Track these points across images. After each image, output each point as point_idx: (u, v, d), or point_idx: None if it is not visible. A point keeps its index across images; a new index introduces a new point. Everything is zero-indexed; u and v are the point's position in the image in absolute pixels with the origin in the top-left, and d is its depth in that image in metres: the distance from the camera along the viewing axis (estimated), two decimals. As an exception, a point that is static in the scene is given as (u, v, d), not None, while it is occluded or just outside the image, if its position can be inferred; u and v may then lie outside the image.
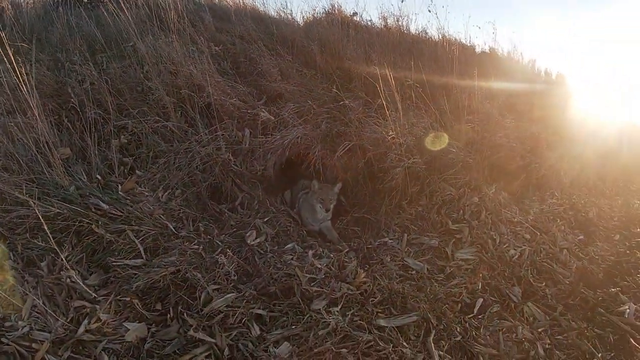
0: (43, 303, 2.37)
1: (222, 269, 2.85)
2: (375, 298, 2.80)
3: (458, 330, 2.68)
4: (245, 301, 2.61)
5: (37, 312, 2.32)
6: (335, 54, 5.50)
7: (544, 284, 3.35)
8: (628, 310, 3.15)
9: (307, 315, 2.58)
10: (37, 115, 3.29)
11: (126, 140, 3.90)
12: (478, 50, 7.42)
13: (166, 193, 3.53)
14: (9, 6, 5.50)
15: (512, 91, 6.10)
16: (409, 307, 2.75)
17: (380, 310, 2.71)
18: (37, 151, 3.24)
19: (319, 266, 2.99)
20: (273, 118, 4.31)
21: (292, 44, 5.73)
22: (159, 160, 3.77)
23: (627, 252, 4.28)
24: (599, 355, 2.70)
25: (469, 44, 7.20)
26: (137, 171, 3.65)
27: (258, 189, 3.92)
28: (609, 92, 9.22)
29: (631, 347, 2.83)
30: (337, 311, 2.62)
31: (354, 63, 5.28)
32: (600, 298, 3.30)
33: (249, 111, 4.34)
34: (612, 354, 2.76)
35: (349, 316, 2.61)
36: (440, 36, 6.63)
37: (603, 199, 5.67)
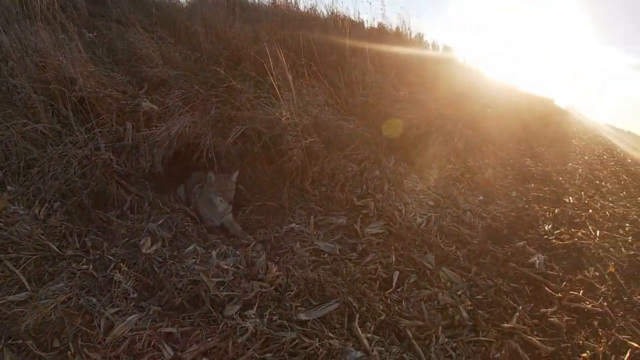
0: None
1: (118, 287, 2.52)
2: (292, 291, 2.63)
3: (381, 308, 2.61)
4: (150, 320, 2.32)
5: None
6: (222, 34, 5.18)
7: (454, 247, 3.42)
8: (537, 261, 3.35)
9: (222, 324, 2.33)
10: None
11: None
12: (367, 26, 7.45)
13: (43, 208, 3.04)
14: None
15: (403, 65, 6.18)
16: (327, 294, 2.62)
17: (298, 304, 2.54)
18: None
19: (226, 267, 2.75)
20: (157, 107, 3.93)
21: (174, 26, 5.32)
22: (32, 170, 3.25)
23: (526, 206, 4.57)
24: (520, 308, 2.79)
25: (358, 20, 7.20)
26: (8, 187, 3.11)
27: (147, 189, 3.55)
28: (491, 59, 9.80)
29: (547, 294, 3.00)
30: (254, 313, 2.41)
31: (242, 43, 5.00)
32: (509, 253, 3.46)
33: (128, 102, 3.91)
34: (532, 305, 2.88)
35: (267, 316, 2.41)
36: (330, 13, 6.55)
37: (496, 160, 5.97)
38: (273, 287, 2.63)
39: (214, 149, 3.74)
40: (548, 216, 4.45)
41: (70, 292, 2.42)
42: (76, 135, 3.48)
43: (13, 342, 2.17)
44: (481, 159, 5.68)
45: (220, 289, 2.55)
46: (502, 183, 5.20)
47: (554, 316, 2.78)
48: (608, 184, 6.74)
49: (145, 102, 3.93)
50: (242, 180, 3.89)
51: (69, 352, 2.16)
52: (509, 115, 7.84)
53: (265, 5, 6.42)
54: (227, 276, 2.67)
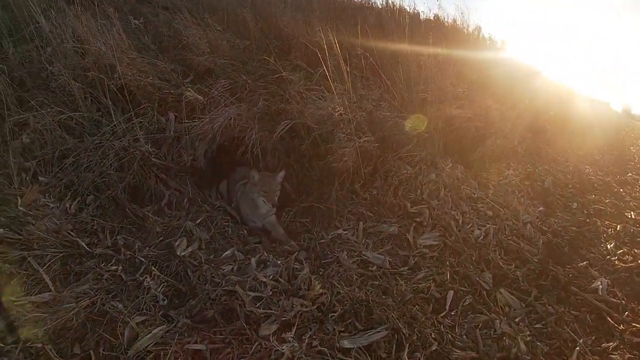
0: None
1: (147, 293, 2.32)
2: (335, 312, 2.34)
3: (433, 336, 2.32)
4: (178, 334, 2.10)
5: None
6: (272, 21, 4.95)
7: (513, 265, 3.09)
8: (600, 286, 2.99)
9: (256, 344, 2.08)
10: None
11: (29, 140, 3.16)
12: (423, 17, 7.09)
13: (75, 202, 2.88)
14: None
15: (460, 59, 5.81)
16: (375, 318, 2.33)
17: (342, 329, 2.25)
18: None
19: (264, 280, 2.49)
20: (202, 98, 3.72)
21: (223, 13, 5.12)
22: (66, 160, 3.10)
23: (587, 220, 4.20)
24: (581, 341, 2.46)
25: (413, 11, 6.85)
26: (40, 177, 2.97)
27: (188, 184, 3.35)
28: (553, 58, 9.29)
29: (609, 326, 2.65)
30: (292, 336, 2.14)
31: (293, 31, 4.75)
32: (570, 275, 3.10)
33: (172, 91, 3.72)
34: (593, 338, 2.54)
35: (306, 340, 2.14)
36: (384, 2, 6.23)
37: (556, 166, 5.61)
38: (315, 306, 2.35)
39: (260, 144, 3.50)
40: (610, 233, 4.07)
41: (96, 295, 2.25)
42: (114, 125, 3.33)
43: (32, 346, 2.02)
44: (540, 164, 5.33)
45: (257, 305, 2.30)
46: (562, 192, 4.83)
47: (615, 353, 2.44)
48: (670, 198, 6.24)
49: (190, 91, 3.73)
50: (288, 179, 3.66)
51: (88, 361, 1.99)
52: (566, 118, 7.41)
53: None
54: (265, 290, 2.41)
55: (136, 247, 2.69)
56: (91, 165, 3.10)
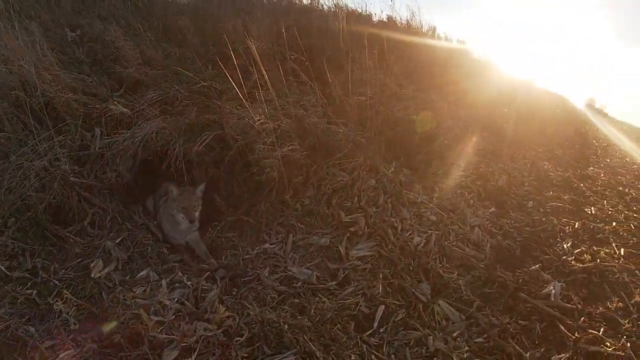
0: None
1: (58, 317, 2.27)
2: (242, 336, 2.21)
3: (352, 358, 2.18)
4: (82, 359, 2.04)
5: None
6: (211, 28, 4.79)
7: (455, 273, 2.96)
8: (553, 290, 2.86)
9: None
10: None
11: None
12: (375, 19, 7.01)
13: None
14: None
15: (412, 60, 5.72)
16: (286, 341, 2.19)
17: (246, 354, 2.13)
18: None
19: (168, 303, 2.37)
20: (128, 111, 3.57)
21: (162, 21, 4.97)
22: None
23: (543, 219, 4.11)
24: (527, 355, 2.32)
25: (365, 13, 6.78)
26: None
27: (112, 202, 3.21)
28: (508, 54, 9.31)
29: (562, 335, 2.51)
30: None
31: (233, 38, 4.60)
32: (520, 280, 2.98)
33: (97, 106, 3.56)
34: (542, 350, 2.39)
35: None
36: (334, 5, 6.12)
37: (512, 164, 5.54)
38: (221, 330, 2.23)
39: (185, 157, 3.34)
40: (567, 231, 3.98)
41: (10, 319, 2.23)
42: (35, 145, 3.20)
43: None
44: (495, 163, 5.24)
45: (159, 330, 2.19)
46: (517, 191, 4.75)
47: None
48: (632, 191, 6.22)
49: (115, 105, 3.59)
50: (218, 191, 3.53)
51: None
52: (526, 115, 7.38)
53: (264, -1, 6.00)
54: (168, 314, 2.30)
55: (52, 269, 2.64)
56: (12, 187, 2.99)
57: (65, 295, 2.38)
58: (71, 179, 3.15)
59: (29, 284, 2.51)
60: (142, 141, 3.32)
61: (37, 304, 2.38)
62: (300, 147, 3.35)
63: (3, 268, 2.54)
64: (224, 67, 3.53)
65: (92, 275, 2.62)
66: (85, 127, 3.49)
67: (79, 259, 2.77)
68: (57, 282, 2.55)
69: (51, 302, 2.36)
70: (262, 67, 3.32)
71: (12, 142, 3.25)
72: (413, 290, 2.71)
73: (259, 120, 3.23)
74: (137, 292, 2.51)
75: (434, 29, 7.28)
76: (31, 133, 3.29)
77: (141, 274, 2.72)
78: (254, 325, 2.27)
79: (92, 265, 2.69)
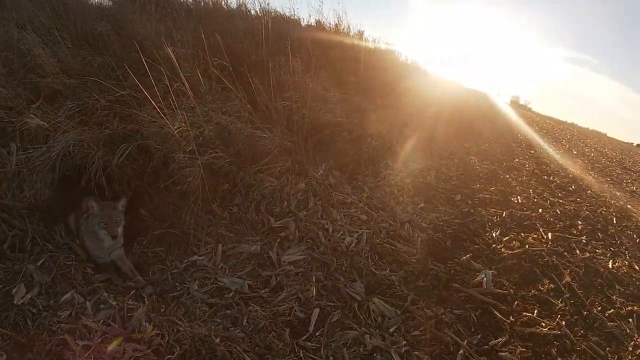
0: None
1: None
2: (174, 353, 2.16)
3: (290, 365, 2.19)
4: None
5: None
6: (132, 34, 4.62)
7: (388, 270, 3.04)
8: (485, 278, 3.01)
9: None
10: None
11: None
12: (304, 23, 7.07)
13: None
14: None
15: (338, 64, 5.80)
16: (219, 355, 2.17)
17: None
18: None
19: (93, 326, 2.25)
20: (45, 124, 3.37)
21: (79, 28, 4.74)
22: None
23: (472, 211, 4.30)
24: (465, 342, 2.44)
25: (293, 17, 6.80)
26: None
27: (29, 222, 3.00)
28: (435, 57, 9.65)
29: (497, 320, 2.65)
30: None
31: (154, 44, 4.47)
32: (452, 271, 3.13)
33: (12, 120, 3.34)
34: (479, 336, 2.52)
35: None
36: (261, 10, 6.11)
37: (440, 161, 5.73)
38: (151, 349, 2.16)
39: (105, 170, 3.20)
40: (496, 221, 4.20)
41: None
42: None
43: None
44: (423, 161, 5.41)
45: (86, 355, 2.08)
46: (445, 186, 4.94)
47: (504, 349, 2.45)
48: (557, 179, 6.64)
49: (32, 117, 3.37)
50: (143, 204, 3.40)
51: None
52: (454, 113, 7.67)
53: (187, 2, 5.86)
54: (94, 338, 2.18)
55: None
56: None
57: None
58: (-12, 199, 2.96)
59: None
60: (60, 155, 3.14)
61: None
62: (224, 154, 3.30)
63: None
64: (148, 74, 3.43)
65: (15, 302, 2.44)
66: (0, 143, 3.29)
67: (0, 286, 2.57)
68: None
69: None
70: (181, 74, 3.23)
71: None
72: (347, 290, 2.76)
73: (178, 128, 3.15)
74: (62, 317, 2.37)
75: (361, 33, 7.40)
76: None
77: (65, 297, 2.55)
78: (184, 342, 2.23)
79: (14, 291, 2.50)
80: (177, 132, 3.13)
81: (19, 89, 3.76)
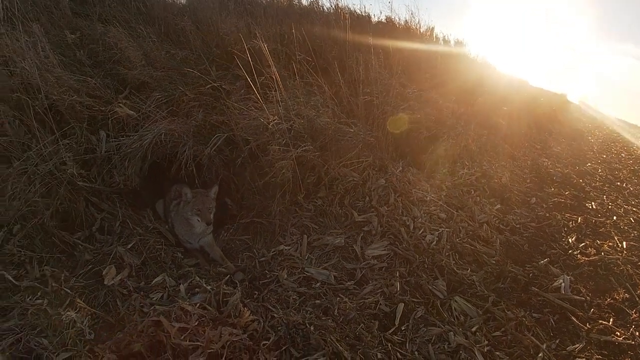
0: None
1: (72, 327, 2.16)
2: (269, 339, 2.17)
3: (379, 357, 2.18)
4: None
5: None
6: (213, 30, 4.73)
7: (469, 269, 2.98)
8: (563, 284, 2.94)
9: None
10: None
11: None
12: (374, 19, 7.02)
13: (1, 232, 2.67)
14: None
15: (412, 60, 5.74)
16: (313, 343, 2.17)
17: (275, 357, 2.10)
18: None
19: (190, 309, 2.28)
20: (134, 113, 3.50)
21: (161, 23, 4.90)
22: None
23: (547, 215, 4.19)
24: (544, 346, 2.38)
25: (363, 14, 6.77)
26: None
27: (120, 206, 3.12)
28: (506, 54, 9.38)
29: (574, 326, 2.60)
30: None
31: (235, 39, 4.56)
32: (531, 274, 3.05)
33: (102, 109, 3.48)
34: (557, 341, 2.47)
35: None
36: (334, 6, 6.12)
37: (513, 162, 5.59)
38: (247, 334, 2.17)
39: (195, 160, 3.29)
40: (571, 226, 4.06)
41: (21, 332, 2.10)
42: (40, 149, 3.07)
43: None
44: (497, 161, 5.28)
45: (183, 337, 2.10)
46: (520, 188, 4.80)
47: (582, 355, 2.38)
48: (630, 186, 6.33)
49: (121, 107, 3.50)
50: (229, 194, 3.47)
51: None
52: (523, 113, 7.47)
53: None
54: (191, 321, 2.20)
55: (62, 278, 2.50)
56: (16, 193, 2.86)
57: (79, 305, 2.29)
58: (79, 183, 3.09)
59: (39, 293, 2.37)
60: (152, 143, 3.24)
61: (48, 315, 2.23)
62: (312, 148, 3.32)
63: (10, 277, 2.42)
64: (229, 68, 3.50)
65: (105, 283, 2.51)
66: (90, 130, 3.40)
67: (90, 266, 2.65)
68: (68, 290, 2.41)
69: (62, 312, 2.25)
70: (273, 68, 3.27)
71: (14, 146, 3.15)
72: (430, 287, 2.72)
73: (273, 121, 3.19)
74: (154, 299, 2.43)
75: (432, 29, 7.31)
76: (34, 137, 3.17)
77: (157, 279, 2.62)
78: (279, 328, 2.24)
79: (104, 272, 2.59)
80: (271, 125, 3.17)
81: (106, 79, 3.92)
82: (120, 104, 3.53)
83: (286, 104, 3.37)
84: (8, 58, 3.51)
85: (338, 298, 2.54)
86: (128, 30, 4.47)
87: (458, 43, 8.07)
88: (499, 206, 4.12)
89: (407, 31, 6.85)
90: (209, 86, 3.69)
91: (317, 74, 3.94)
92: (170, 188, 3.34)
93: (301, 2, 6.32)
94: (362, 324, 2.37)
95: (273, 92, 3.45)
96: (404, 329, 2.40)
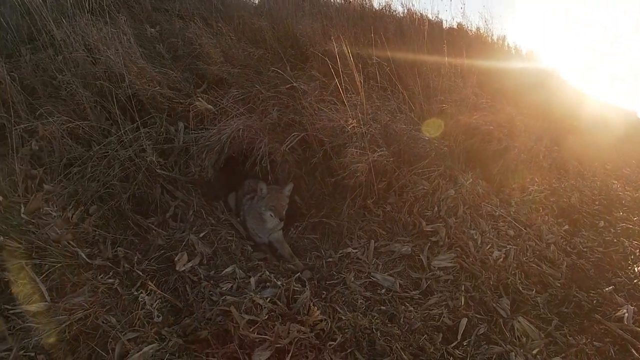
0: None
1: (142, 309, 2.25)
2: (335, 340, 2.20)
3: (440, 369, 2.15)
4: (168, 354, 2.02)
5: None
6: (288, 30, 4.82)
7: (534, 290, 2.89)
8: (626, 314, 2.76)
9: None
10: None
11: (37, 147, 3.16)
12: (445, 25, 6.90)
13: (78, 211, 2.82)
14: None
15: (484, 69, 5.62)
16: (378, 348, 2.18)
17: (340, 359, 2.11)
18: None
19: (261, 302, 2.32)
20: (212, 108, 3.63)
21: (238, 21, 5.03)
22: (72, 169, 3.07)
23: (615, 240, 3.98)
24: None
25: (435, 19, 6.67)
26: (45, 185, 2.93)
27: (194, 196, 3.24)
28: (581, 69, 9.00)
29: (634, 359, 2.44)
30: None
31: (310, 40, 4.63)
32: (595, 301, 2.90)
33: (181, 101, 3.64)
34: None
35: None
36: (406, 11, 6.08)
37: (582, 181, 5.36)
38: (314, 333, 2.21)
39: (269, 156, 3.37)
40: (638, 254, 3.83)
41: (90, 308, 2.20)
42: (121, 135, 3.26)
43: (25, 355, 2.00)
44: (567, 179, 5.08)
45: (251, 329, 2.15)
46: (588, 210, 4.59)
47: None
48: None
49: (200, 101, 3.65)
50: (299, 192, 3.54)
51: (78, 374, 1.95)
52: (593, 130, 7.13)
53: (337, 2, 5.97)
54: (261, 314, 2.25)
55: (135, 260, 2.62)
56: (96, 175, 3.05)
57: (150, 287, 2.38)
58: (157, 170, 3.22)
59: (111, 273, 2.49)
60: (230, 137, 3.35)
61: (118, 294, 2.35)
62: (387, 153, 3.33)
63: (83, 255, 2.52)
64: (304, 69, 3.55)
65: (177, 269, 2.60)
66: (169, 121, 3.56)
67: (162, 251, 2.75)
68: (140, 272, 2.52)
69: (135, 293, 2.36)
70: (355, 71, 3.29)
71: (95, 130, 3.33)
72: (494, 305, 2.67)
73: (351, 124, 3.23)
74: (224, 289, 2.49)
75: (503, 38, 7.12)
76: (115, 123, 3.35)
77: (227, 270, 2.68)
78: (346, 330, 2.26)
79: (176, 258, 2.66)
80: (349, 128, 3.20)
81: (185, 73, 4.07)
82: (200, 98, 3.66)
83: (362, 107, 3.38)
84: (93, 46, 3.72)
85: (403, 306, 2.54)
86: (206, 26, 4.61)
87: (529, 53, 7.83)
88: (566, 227, 3.97)
89: (478, 39, 6.71)
90: (288, 85, 3.75)
91: (392, 78, 3.94)
92: (243, 182, 3.44)
93: (373, 6, 6.32)
94: (425, 335, 2.36)
95: (350, 95, 3.47)
96: (465, 345, 2.37)
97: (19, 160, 2.98)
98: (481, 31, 6.79)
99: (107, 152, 3.18)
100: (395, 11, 6.16)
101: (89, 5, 4.35)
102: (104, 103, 3.45)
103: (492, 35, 6.89)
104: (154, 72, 3.75)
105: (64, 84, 3.49)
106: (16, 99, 3.31)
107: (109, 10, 4.32)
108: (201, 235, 2.96)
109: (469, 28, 6.81)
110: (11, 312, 2.15)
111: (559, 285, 3.00)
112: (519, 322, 2.56)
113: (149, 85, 3.57)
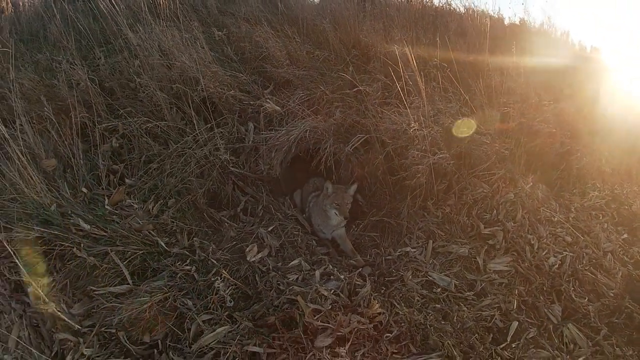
0: (28, 334, 2.27)
1: (216, 294, 2.51)
2: (392, 333, 2.37)
3: (487, 368, 2.25)
4: (239, 336, 2.26)
5: (23, 343, 2.22)
6: (351, 31, 4.93)
7: (586, 299, 2.89)
8: None
9: (310, 354, 2.19)
10: (21, 124, 3.03)
11: (117, 144, 3.52)
12: (507, 21, 6.75)
13: (157, 204, 3.14)
14: (9, 5, 5.17)
15: (547, 68, 5.47)
16: (431, 343, 2.33)
17: (395, 350, 2.28)
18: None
19: (325, 293, 2.53)
20: (279, 109, 3.83)
21: (302, 23, 5.20)
22: (152, 165, 3.39)
23: None
24: None
25: (496, 15, 6.55)
26: (126, 179, 3.28)
27: (263, 192, 3.48)
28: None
29: None
30: (345, 351, 2.21)
31: (372, 41, 4.72)
32: None
33: (251, 103, 3.88)
34: None
35: (359, 357, 2.21)
36: (466, 7, 6.03)
37: (646, 188, 5.15)
38: (372, 325, 2.39)
39: (334, 156, 3.54)
40: None
41: (169, 291, 2.49)
42: (197, 135, 3.53)
43: (106, 331, 2.29)
44: (629, 185, 4.90)
45: (315, 317, 2.36)
46: (650, 219, 4.43)
47: None
48: None
49: (269, 102, 3.85)
50: (361, 191, 3.69)
51: (155, 350, 2.24)
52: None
53: (397, 1, 5.99)
54: (325, 304, 2.46)
55: (210, 249, 2.88)
56: (174, 171, 3.36)
57: (223, 275, 2.60)
58: (230, 168, 3.47)
59: (188, 260, 2.74)
60: (297, 138, 3.56)
61: (195, 280, 2.61)
62: (448, 156, 3.41)
63: (162, 243, 2.80)
64: (367, 71, 3.66)
65: (248, 259, 2.82)
66: (239, 122, 3.80)
67: (234, 242, 3.00)
68: (215, 261, 2.75)
69: (211, 279, 2.60)
70: (417, 73, 3.39)
71: (172, 130, 3.61)
72: (546, 310, 2.71)
73: (413, 127, 3.34)
74: (291, 279, 2.69)
75: (567, 34, 6.88)
76: (190, 123, 3.63)
77: (293, 262, 2.88)
78: (402, 324, 2.41)
79: (247, 249, 2.90)
80: (411, 131, 3.32)
81: (253, 75, 4.29)
82: (268, 100, 3.87)
83: (424, 110, 3.48)
84: (168, 51, 4.01)
85: (457, 306, 2.64)
86: (271, 29, 4.81)
87: (594, 50, 7.51)
88: (625, 236, 3.86)
89: (541, 35, 6.53)
90: (355, 89, 3.89)
91: (454, 80, 3.98)
92: (308, 180, 3.63)
93: (433, 3, 6.30)
94: (476, 334, 2.46)
95: (413, 98, 3.57)
96: (514, 347, 2.44)
97: (101, 156, 3.33)
98: (544, 26, 6.60)
99: (184, 150, 3.47)
100: (455, 8, 6.13)
101: (161, 11, 4.66)
102: (179, 104, 3.75)
103: (556, 31, 6.69)
104: (226, 76, 4.00)
105: (141, 86, 3.82)
106: (96, 100, 3.68)
107: (182, 17, 4.60)
108: (270, 229, 3.18)
109: (532, 24, 6.64)
110: (96, 292, 2.47)
111: (612, 295, 2.98)
112: (568, 329, 2.60)
113: (221, 89, 3.81)
